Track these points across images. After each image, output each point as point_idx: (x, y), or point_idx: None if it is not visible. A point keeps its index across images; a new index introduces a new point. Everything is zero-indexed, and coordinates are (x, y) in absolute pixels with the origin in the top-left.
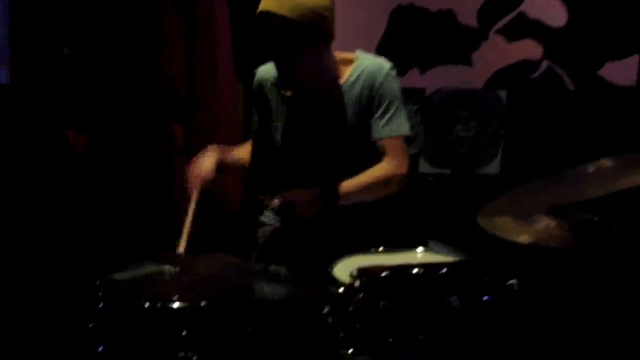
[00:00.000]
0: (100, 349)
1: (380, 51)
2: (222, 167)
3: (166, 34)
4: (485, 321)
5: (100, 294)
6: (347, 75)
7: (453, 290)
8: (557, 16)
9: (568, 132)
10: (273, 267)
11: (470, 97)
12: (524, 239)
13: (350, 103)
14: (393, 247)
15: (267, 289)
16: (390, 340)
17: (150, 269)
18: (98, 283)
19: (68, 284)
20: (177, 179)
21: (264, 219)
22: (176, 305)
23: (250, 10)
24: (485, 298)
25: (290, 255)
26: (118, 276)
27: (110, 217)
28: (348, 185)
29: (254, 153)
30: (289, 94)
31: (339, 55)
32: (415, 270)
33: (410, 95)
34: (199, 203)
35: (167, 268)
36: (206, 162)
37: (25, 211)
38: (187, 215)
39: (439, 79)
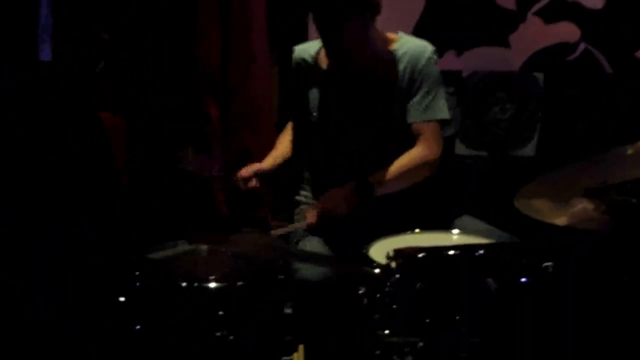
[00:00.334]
0: (137, 327)
1: (416, 32)
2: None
3: (201, 16)
4: (521, 303)
5: (137, 273)
6: (390, 55)
7: (489, 271)
8: None
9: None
10: (309, 247)
11: (506, 79)
12: (561, 221)
13: (392, 82)
14: (428, 228)
15: (303, 269)
16: (427, 321)
17: (185, 248)
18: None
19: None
20: (214, 161)
21: (299, 197)
22: (212, 284)
23: None
24: (523, 280)
25: (326, 235)
26: (154, 255)
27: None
28: (381, 175)
29: (295, 134)
30: (326, 66)
31: (381, 34)
32: (452, 252)
33: (446, 77)
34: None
35: (202, 247)
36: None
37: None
38: None
39: (476, 60)
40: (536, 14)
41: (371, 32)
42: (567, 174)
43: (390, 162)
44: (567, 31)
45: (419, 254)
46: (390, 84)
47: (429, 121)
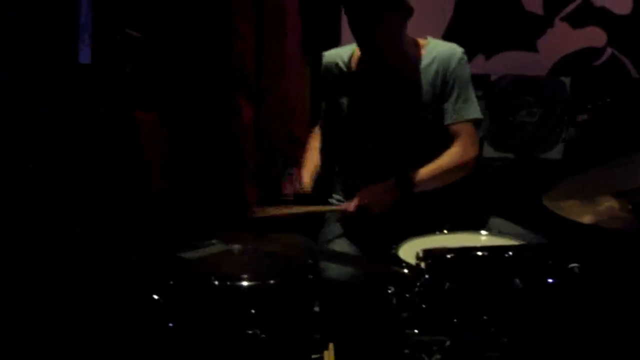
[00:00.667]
0: (170, 325)
1: (446, 37)
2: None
3: (235, 16)
4: (548, 303)
5: (171, 271)
6: (421, 57)
7: (517, 272)
8: (621, 3)
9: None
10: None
11: (534, 83)
12: (587, 219)
13: (426, 84)
14: (457, 228)
15: (333, 269)
16: (455, 320)
17: (218, 247)
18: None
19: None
20: (246, 160)
21: (332, 200)
22: (245, 283)
23: None
24: (550, 281)
25: (357, 235)
26: (188, 255)
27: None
28: (422, 172)
29: (325, 136)
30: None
31: (411, 38)
32: (480, 253)
33: (475, 81)
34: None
35: (235, 247)
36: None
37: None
38: None
39: (504, 65)
40: (563, 19)
41: (403, 34)
42: (593, 176)
43: (423, 163)
44: (593, 36)
45: (448, 254)
46: (421, 87)
47: (464, 122)
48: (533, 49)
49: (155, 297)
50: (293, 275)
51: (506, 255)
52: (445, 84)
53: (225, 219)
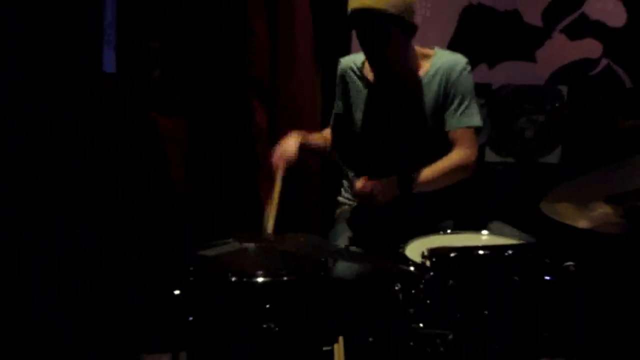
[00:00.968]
0: (190, 319)
1: (451, 47)
2: (304, 149)
3: (251, 27)
4: (545, 299)
5: (191, 268)
6: (426, 69)
7: (516, 270)
8: (616, 16)
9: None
10: (349, 245)
11: (533, 92)
12: (582, 224)
13: (429, 94)
14: (460, 229)
15: (343, 266)
16: (457, 315)
17: (235, 246)
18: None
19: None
20: (260, 163)
21: (341, 198)
22: (260, 279)
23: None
24: (547, 278)
25: (366, 234)
26: (206, 252)
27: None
28: (423, 173)
29: (335, 136)
30: (371, 79)
31: (418, 50)
32: (482, 252)
33: (478, 90)
34: (284, 181)
35: (251, 245)
36: (289, 144)
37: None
38: (272, 196)
39: (505, 74)
40: (561, 31)
41: (409, 50)
42: (589, 180)
43: (425, 166)
44: (590, 47)
45: (452, 253)
46: (426, 95)
47: (465, 128)
48: (532, 59)
49: (177, 292)
50: (305, 272)
51: (506, 254)
52: (447, 92)
53: (239, 217)
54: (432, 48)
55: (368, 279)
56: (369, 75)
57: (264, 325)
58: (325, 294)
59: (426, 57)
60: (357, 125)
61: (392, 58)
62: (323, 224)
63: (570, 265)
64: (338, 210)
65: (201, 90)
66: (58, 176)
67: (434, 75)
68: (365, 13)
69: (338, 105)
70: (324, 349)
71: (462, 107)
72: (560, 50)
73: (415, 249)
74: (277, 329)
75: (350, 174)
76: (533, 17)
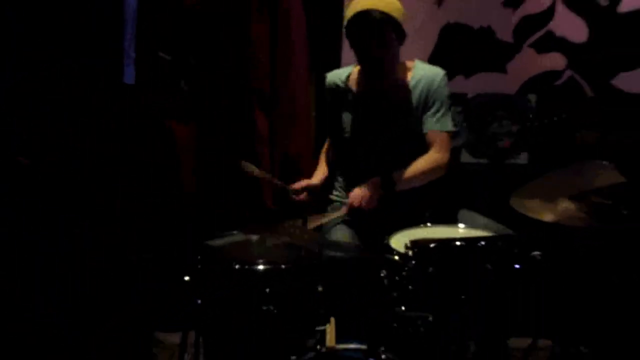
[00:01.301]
0: (199, 302)
1: (431, 60)
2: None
3: (253, 41)
4: (515, 285)
5: (199, 257)
6: (409, 79)
7: (489, 259)
8: (579, 33)
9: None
10: (340, 238)
11: (504, 100)
12: (548, 218)
13: (411, 102)
14: (437, 221)
15: (335, 255)
16: (437, 299)
17: (238, 237)
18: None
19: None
20: (261, 163)
21: (333, 196)
22: (261, 267)
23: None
24: (517, 266)
25: (355, 228)
26: (213, 243)
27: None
28: (402, 174)
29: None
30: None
31: (401, 62)
32: (458, 243)
33: (455, 98)
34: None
35: (253, 237)
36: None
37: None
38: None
39: (480, 84)
40: (530, 45)
41: (398, 55)
42: (553, 179)
43: (408, 165)
44: (555, 60)
45: (432, 244)
46: (409, 103)
47: (440, 132)
48: (504, 71)
49: (187, 278)
50: (301, 261)
51: (480, 245)
52: (427, 99)
53: (243, 214)
54: (412, 60)
55: (357, 267)
56: (354, 86)
57: (264, 308)
58: (318, 280)
59: (408, 68)
60: (345, 132)
61: (385, 58)
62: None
63: (537, 254)
64: (330, 207)
65: (210, 99)
66: (58, 176)
67: (415, 85)
68: (368, 15)
69: (330, 116)
70: (317, 328)
71: (439, 113)
72: (529, 63)
73: (399, 241)
74: (275, 311)
75: (338, 177)
76: (504, 33)
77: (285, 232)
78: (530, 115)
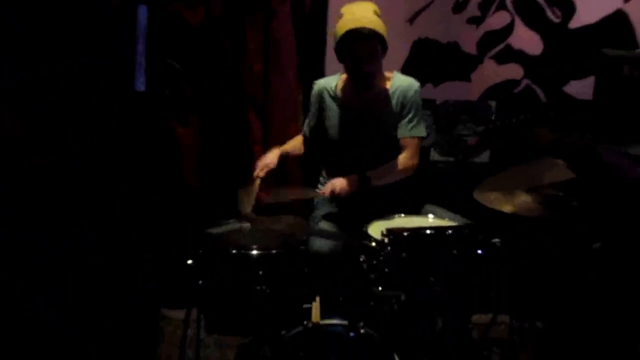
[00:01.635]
0: (200, 283)
1: (404, 70)
2: (283, 156)
3: (248, 54)
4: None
5: (200, 243)
6: (388, 88)
7: (455, 245)
8: (534, 46)
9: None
10: (325, 226)
11: (468, 106)
12: (507, 209)
13: (390, 108)
14: (408, 213)
15: (319, 242)
16: (409, 281)
17: (235, 225)
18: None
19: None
20: (256, 161)
21: (318, 190)
22: (255, 252)
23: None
24: (479, 251)
25: (337, 218)
26: (212, 230)
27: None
28: (377, 172)
29: (307, 143)
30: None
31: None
32: (428, 231)
33: (425, 104)
34: (262, 180)
35: (248, 225)
36: (270, 156)
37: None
38: (249, 190)
39: (447, 91)
40: (491, 57)
41: (381, 67)
42: (511, 175)
43: (383, 164)
44: (513, 71)
45: (405, 232)
46: (388, 110)
47: (413, 137)
48: (468, 79)
49: (189, 261)
50: (290, 246)
51: (447, 232)
52: (403, 107)
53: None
54: (391, 72)
55: (339, 252)
56: (340, 94)
57: (258, 288)
58: (305, 264)
59: (387, 78)
60: (330, 134)
61: (372, 70)
62: (305, 209)
63: (497, 241)
64: (316, 201)
65: (210, 104)
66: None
67: (394, 92)
68: (360, 32)
69: (311, 120)
70: (304, 306)
71: (413, 121)
72: (490, 73)
73: (376, 229)
74: (267, 290)
75: (323, 173)
76: (469, 47)
77: (276, 221)
78: (493, 117)
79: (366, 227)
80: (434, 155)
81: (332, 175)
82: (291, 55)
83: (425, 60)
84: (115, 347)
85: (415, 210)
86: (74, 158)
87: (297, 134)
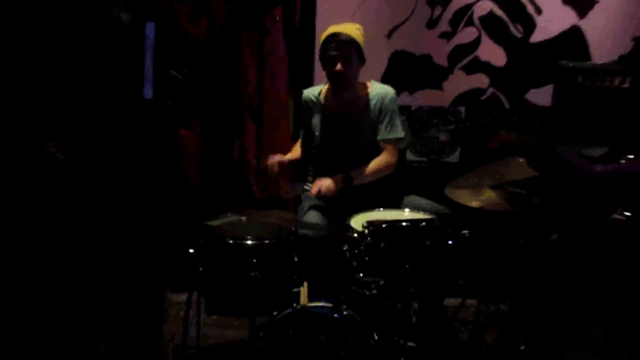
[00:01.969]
0: (200, 269)
1: (383, 79)
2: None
3: (245, 66)
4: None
5: (201, 234)
6: (367, 95)
7: (428, 236)
8: (499, 59)
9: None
10: (312, 219)
11: (440, 111)
12: (474, 204)
13: (369, 114)
14: (388, 207)
15: (307, 233)
16: (387, 268)
17: (232, 217)
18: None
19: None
20: (249, 160)
21: (306, 187)
22: (249, 242)
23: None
24: (450, 242)
25: (323, 211)
26: (211, 222)
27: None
28: (359, 171)
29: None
30: (325, 104)
31: (360, 81)
32: (404, 223)
33: (401, 110)
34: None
35: (243, 217)
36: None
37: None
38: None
39: (421, 99)
40: (460, 68)
41: (358, 74)
42: (478, 174)
43: (364, 164)
44: (480, 80)
45: (384, 224)
46: (367, 115)
47: (390, 139)
48: (440, 88)
49: (191, 250)
50: (281, 237)
51: (421, 224)
52: (380, 112)
53: (235, 199)
54: (369, 81)
55: (325, 242)
56: (324, 100)
57: (252, 274)
58: (294, 252)
59: (366, 87)
60: (316, 137)
61: (346, 73)
62: (294, 203)
63: (466, 233)
64: (303, 195)
65: (210, 110)
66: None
67: (372, 99)
68: (337, 35)
69: (302, 125)
70: (294, 290)
71: (390, 124)
72: (459, 82)
73: (358, 221)
74: (260, 276)
75: (310, 170)
76: (440, 59)
77: (269, 214)
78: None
79: (349, 220)
80: (409, 156)
81: (317, 174)
82: (282, 66)
83: (402, 70)
84: (124, 326)
85: (394, 204)
86: (87, 156)
87: (285, 134)
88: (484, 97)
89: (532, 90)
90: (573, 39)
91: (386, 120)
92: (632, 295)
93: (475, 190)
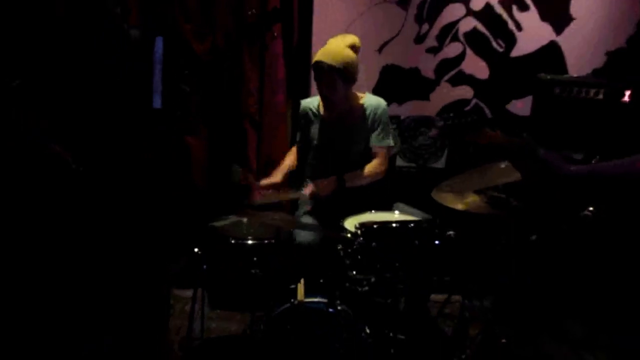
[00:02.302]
0: (205, 267)
1: (374, 91)
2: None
3: (247, 79)
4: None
5: (205, 234)
6: (360, 105)
7: (416, 236)
8: (482, 72)
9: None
10: (308, 221)
11: (428, 120)
12: (459, 207)
13: (362, 123)
14: (379, 209)
15: (304, 233)
16: (377, 265)
17: (234, 219)
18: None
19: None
20: (252, 167)
21: (302, 191)
22: (250, 242)
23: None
24: (437, 242)
25: (318, 213)
26: (215, 224)
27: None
28: (352, 175)
29: (298, 154)
30: (322, 114)
31: (355, 93)
32: (394, 224)
33: (392, 119)
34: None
35: (244, 219)
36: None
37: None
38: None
39: (409, 109)
40: (446, 80)
41: (349, 92)
42: (463, 179)
43: (358, 169)
44: (465, 92)
45: (375, 225)
46: (360, 124)
47: (382, 146)
48: (427, 99)
49: (196, 249)
50: (279, 237)
51: (410, 226)
52: (373, 122)
53: (236, 202)
54: (363, 92)
55: (320, 242)
56: (321, 111)
57: (252, 271)
58: (292, 251)
59: (360, 98)
60: (313, 144)
61: (335, 96)
62: (291, 207)
63: (451, 234)
64: (300, 201)
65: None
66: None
67: (366, 110)
68: (321, 64)
69: (300, 133)
70: (291, 287)
71: (382, 133)
72: (445, 93)
73: (351, 223)
74: (261, 274)
75: (307, 175)
76: (428, 72)
77: (268, 216)
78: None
79: (342, 222)
80: (399, 161)
81: (314, 177)
82: (281, 78)
83: (392, 83)
84: (134, 319)
85: (384, 207)
86: (93, 156)
87: (284, 141)
88: (468, 107)
89: (513, 101)
90: (551, 53)
91: (379, 129)
92: (607, 291)
93: (460, 194)
